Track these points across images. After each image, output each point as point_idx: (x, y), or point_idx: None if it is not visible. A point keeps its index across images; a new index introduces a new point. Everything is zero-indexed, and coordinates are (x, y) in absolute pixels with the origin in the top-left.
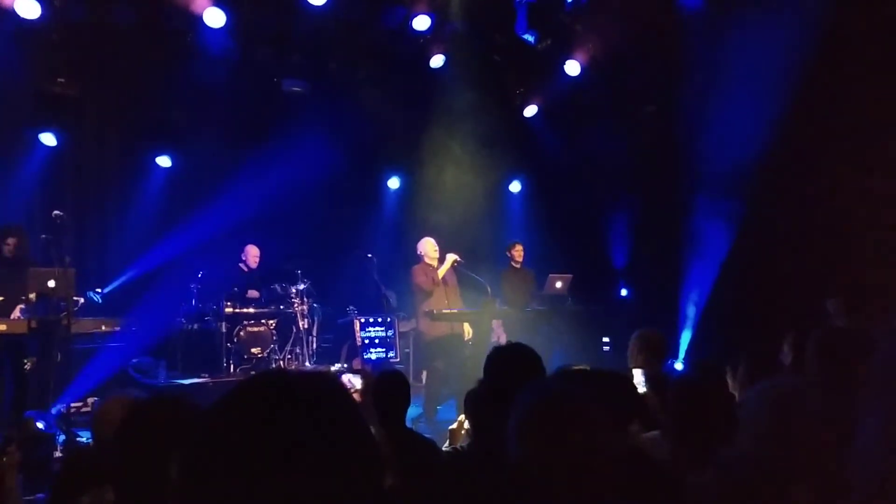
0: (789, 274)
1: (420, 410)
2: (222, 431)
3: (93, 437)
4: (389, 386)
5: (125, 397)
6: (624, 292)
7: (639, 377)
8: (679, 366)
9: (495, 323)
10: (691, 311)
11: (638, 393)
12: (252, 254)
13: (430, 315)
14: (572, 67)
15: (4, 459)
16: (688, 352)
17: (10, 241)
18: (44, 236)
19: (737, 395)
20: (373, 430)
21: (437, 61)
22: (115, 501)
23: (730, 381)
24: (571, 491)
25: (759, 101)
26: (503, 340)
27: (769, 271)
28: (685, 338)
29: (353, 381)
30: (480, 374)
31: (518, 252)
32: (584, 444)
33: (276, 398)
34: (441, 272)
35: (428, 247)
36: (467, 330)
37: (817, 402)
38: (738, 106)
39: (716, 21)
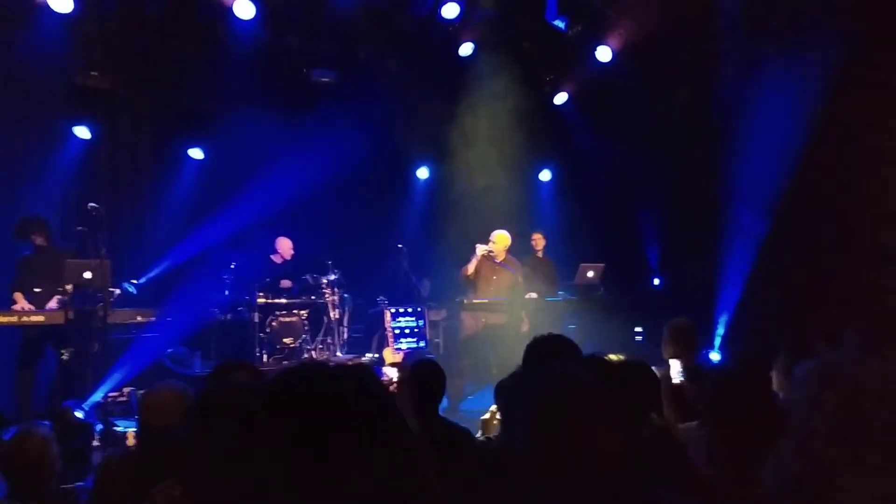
0: (824, 264)
1: (447, 403)
2: (261, 426)
3: (142, 425)
4: (427, 375)
5: (175, 387)
6: (657, 281)
7: (676, 367)
8: (715, 356)
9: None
10: (726, 300)
11: (657, 382)
12: (284, 246)
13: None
14: (603, 53)
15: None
16: (723, 341)
17: (36, 237)
18: (80, 228)
19: (779, 386)
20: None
21: (466, 49)
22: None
23: (774, 375)
24: (576, 480)
25: (796, 83)
26: (526, 329)
27: (804, 261)
28: (720, 327)
29: (390, 374)
30: (511, 363)
31: (536, 241)
32: (589, 434)
33: (314, 392)
34: (471, 268)
35: (497, 239)
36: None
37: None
38: (773, 91)
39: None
